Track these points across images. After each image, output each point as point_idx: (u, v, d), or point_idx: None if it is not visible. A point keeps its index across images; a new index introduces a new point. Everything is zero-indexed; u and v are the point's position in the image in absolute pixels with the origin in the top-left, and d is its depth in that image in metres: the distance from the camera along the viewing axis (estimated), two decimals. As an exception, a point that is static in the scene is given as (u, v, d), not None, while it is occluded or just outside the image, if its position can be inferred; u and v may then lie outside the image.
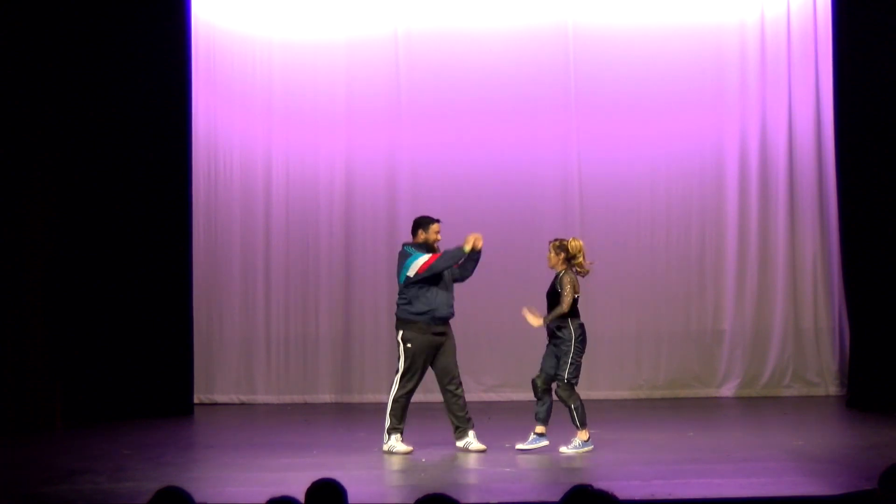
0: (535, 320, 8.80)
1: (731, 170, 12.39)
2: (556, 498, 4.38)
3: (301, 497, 4.53)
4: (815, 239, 12.30)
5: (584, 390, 9.10)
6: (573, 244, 8.86)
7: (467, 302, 12.27)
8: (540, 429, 8.79)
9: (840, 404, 11.52)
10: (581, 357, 8.75)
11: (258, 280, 12.50)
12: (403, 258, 8.98)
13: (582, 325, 8.78)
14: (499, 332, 12.16)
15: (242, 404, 12.35)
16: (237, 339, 12.47)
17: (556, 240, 8.97)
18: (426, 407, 11.98)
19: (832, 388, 12.16)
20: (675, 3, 12.46)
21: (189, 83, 11.66)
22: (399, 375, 9.01)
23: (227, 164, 12.54)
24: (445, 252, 8.93)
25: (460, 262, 8.96)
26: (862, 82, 11.14)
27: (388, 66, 12.49)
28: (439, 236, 9.06)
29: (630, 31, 12.40)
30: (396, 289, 12.22)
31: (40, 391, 10.54)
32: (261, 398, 12.42)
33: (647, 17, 12.43)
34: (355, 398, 12.36)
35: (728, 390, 12.26)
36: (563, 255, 8.83)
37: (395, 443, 8.94)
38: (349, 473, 7.84)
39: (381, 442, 9.04)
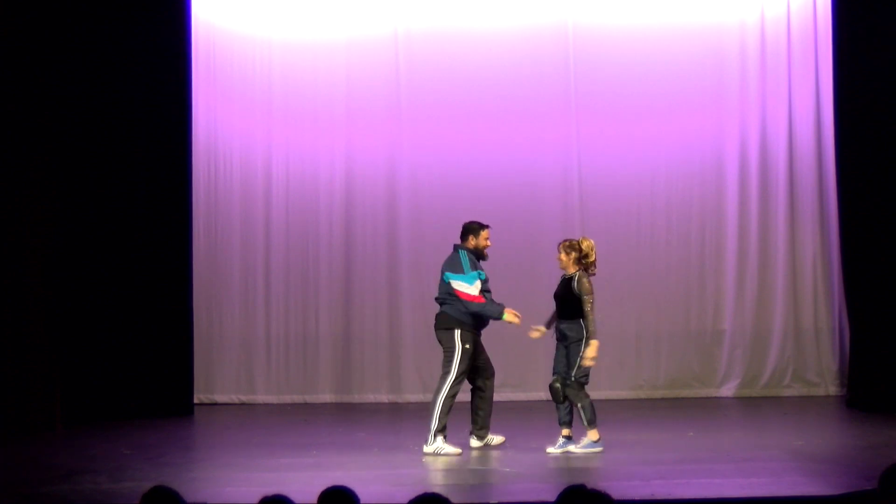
0: (538, 332, 8.91)
1: (731, 169, 12.39)
2: (556, 498, 4.37)
3: (296, 497, 4.54)
4: (815, 239, 12.29)
5: (584, 390, 9.13)
6: (585, 243, 8.80)
7: (467, 302, 12.32)
8: (566, 432, 8.77)
9: (840, 404, 11.51)
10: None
11: (258, 280, 12.50)
12: (455, 263, 8.87)
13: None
14: (499, 332, 12.10)
15: (242, 404, 12.35)
16: (237, 339, 12.47)
17: (565, 240, 8.88)
18: (426, 406, 11.98)
19: (832, 388, 12.15)
20: (675, 3, 12.46)
21: (189, 83, 11.66)
22: (453, 377, 8.78)
23: (227, 164, 12.54)
24: (488, 304, 8.82)
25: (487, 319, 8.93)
26: (862, 82, 11.12)
27: (388, 66, 12.49)
28: (489, 242, 9.03)
29: (630, 31, 12.40)
30: (396, 289, 12.39)
31: (40, 391, 10.53)
32: (261, 398, 12.42)
33: (646, 17, 12.43)
34: (355, 398, 12.36)
35: (728, 390, 12.25)
36: (574, 254, 8.75)
37: (441, 444, 8.74)
38: (349, 473, 7.85)
39: (380, 441, 9.02)
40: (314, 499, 4.49)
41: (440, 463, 8.50)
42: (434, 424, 8.73)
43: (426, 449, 8.72)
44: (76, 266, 11.05)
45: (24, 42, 10.50)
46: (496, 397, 12.14)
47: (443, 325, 8.91)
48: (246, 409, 12.14)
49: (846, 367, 11.78)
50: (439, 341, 8.96)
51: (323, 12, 12.55)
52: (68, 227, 10.98)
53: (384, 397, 12.39)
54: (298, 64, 12.53)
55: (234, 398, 12.42)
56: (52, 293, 10.70)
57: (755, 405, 11.72)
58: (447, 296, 8.90)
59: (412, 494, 4.32)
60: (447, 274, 8.87)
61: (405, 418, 11.30)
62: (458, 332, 8.81)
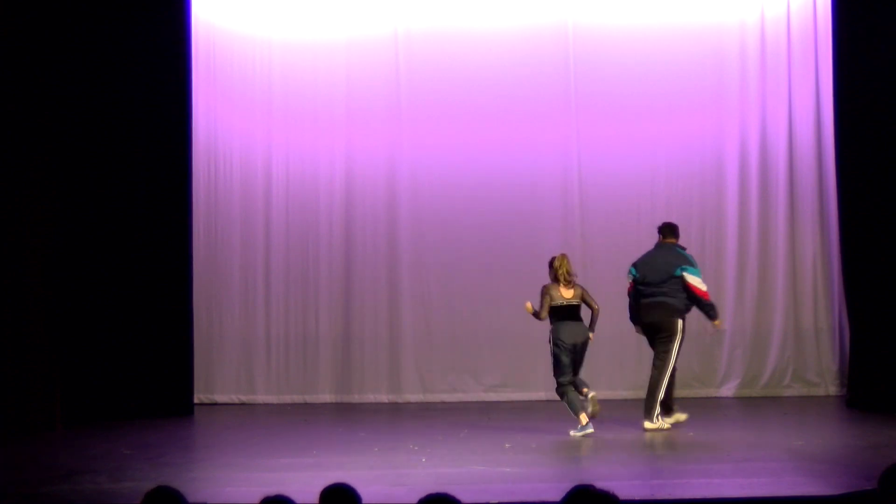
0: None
1: (731, 170, 12.38)
2: (557, 498, 4.37)
3: (296, 497, 4.53)
4: (815, 239, 12.29)
5: (584, 390, 9.17)
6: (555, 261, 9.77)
7: (468, 302, 12.33)
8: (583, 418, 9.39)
9: (840, 404, 11.51)
10: (556, 355, 9.57)
11: (258, 280, 12.49)
12: (684, 259, 9.88)
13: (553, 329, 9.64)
14: (499, 332, 12.16)
15: (242, 404, 12.35)
16: (237, 339, 12.47)
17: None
18: (426, 406, 12.01)
19: (832, 388, 12.15)
20: (675, 3, 12.46)
21: (189, 83, 11.66)
22: (673, 359, 9.78)
23: (227, 164, 12.54)
24: (710, 302, 9.95)
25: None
26: (862, 82, 11.12)
27: (388, 66, 12.49)
28: None
29: (630, 31, 12.40)
30: (396, 289, 12.38)
31: (40, 391, 10.54)
32: (261, 398, 12.41)
33: (646, 17, 12.43)
34: (355, 398, 12.35)
35: (728, 390, 12.25)
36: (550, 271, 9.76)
37: (662, 420, 9.67)
38: (349, 473, 7.84)
39: (380, 441, 9.00)
40: (314, 499, 4.49)
41: (439, 462, 8.50)
42: (659, 398, 9.63)
43: (650, 426, 9.57)
44: (76, 266, 11.05)
45: (24, 42, 10.50)
46: (497, 397, 12.28)
47: (668, 315, 9.76)
48: (246, 409, 12.14)
49: (846, 367, 11.77)
50: (658, 326, 9.80)
51: (323, 12, 12.55)
52: (68, 227, 10.98)
53: (384, 397, 12.39)
54: (298, 64, 12.53)
55: (234, 398, 12.42)
56: (52, 293, 10.70)
57: (755, 405, 11.72)
58: (674, 288, 9.76)
59: (412, 494, 4.32)
60: (686, 268, 9.79)
61: (405, 418, 11.30)
62: (680, 322, 9.77)
